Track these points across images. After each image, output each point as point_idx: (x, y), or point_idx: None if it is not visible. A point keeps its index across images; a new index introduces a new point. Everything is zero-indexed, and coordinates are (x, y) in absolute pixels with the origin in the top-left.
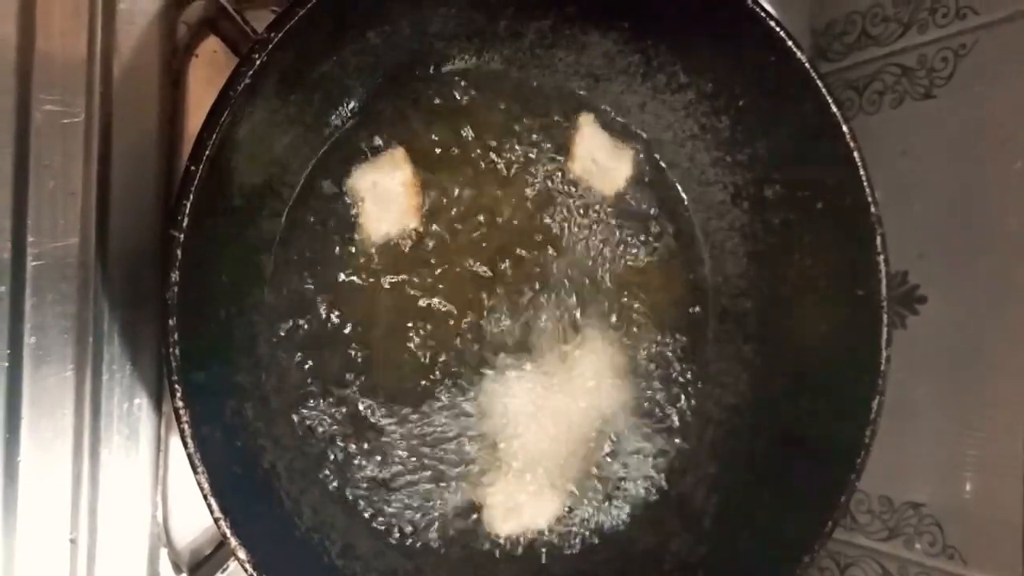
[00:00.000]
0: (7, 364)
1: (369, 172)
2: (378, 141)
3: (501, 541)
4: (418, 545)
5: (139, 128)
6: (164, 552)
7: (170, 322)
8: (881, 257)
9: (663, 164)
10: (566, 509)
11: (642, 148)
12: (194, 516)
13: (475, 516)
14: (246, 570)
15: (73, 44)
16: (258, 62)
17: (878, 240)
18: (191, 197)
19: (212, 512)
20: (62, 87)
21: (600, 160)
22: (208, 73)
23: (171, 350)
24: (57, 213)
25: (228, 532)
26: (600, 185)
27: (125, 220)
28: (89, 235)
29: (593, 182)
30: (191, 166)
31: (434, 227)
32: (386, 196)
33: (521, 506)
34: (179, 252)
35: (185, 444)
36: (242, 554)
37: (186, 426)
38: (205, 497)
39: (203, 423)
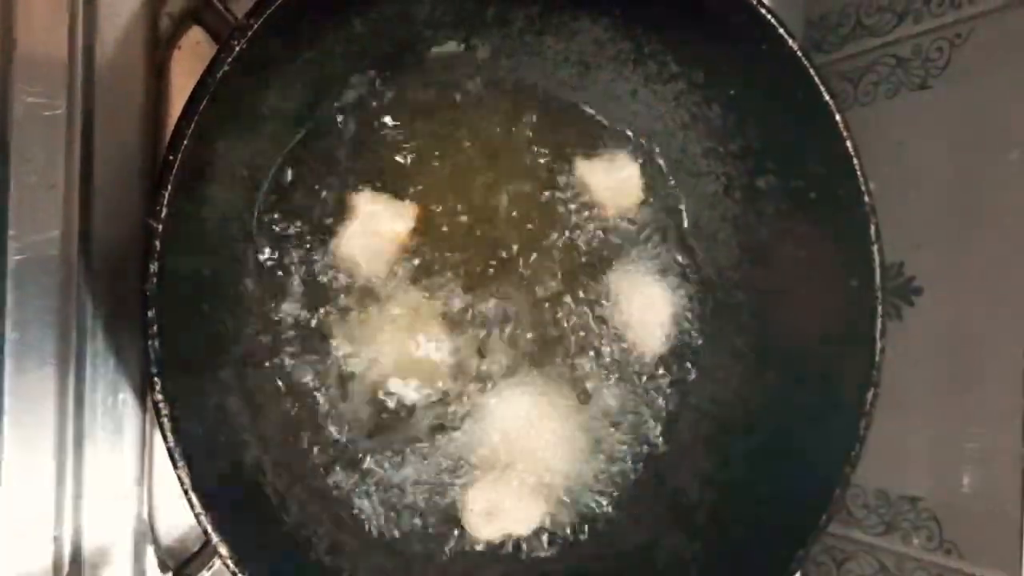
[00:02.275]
0: None
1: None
2: (361, 140)
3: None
4: (405, 543)
5: (122, 121)
6: (150, 549)
7: (149, 314)
8: (875, 247)
9: (655, 154)
10: (551, 513)
11: (633, 141)
12: (180, 513)
13: (462, 518)
14: (228, 567)
15: (55, 36)
16: (237, 49)
17: (872, 230)
18: (169, 187)
19: (193, 507)
20: (44, 80)
21: (606, 182)
22: (192, 65)
23: (151, 342)
24: (38, 206)
25: (209, 528)
26: (618, 200)
27: (108, 213)
28: (72, 228)
29: (609, 201)
30: (170, 155)
31: (426, 246)
32: (372, 229)
33: (504, 511)
34: (158, 243)
35: (165, 438)
36: (224, 550)
37: (166, 420)
38: (186, 492)
39: (184, 417)
